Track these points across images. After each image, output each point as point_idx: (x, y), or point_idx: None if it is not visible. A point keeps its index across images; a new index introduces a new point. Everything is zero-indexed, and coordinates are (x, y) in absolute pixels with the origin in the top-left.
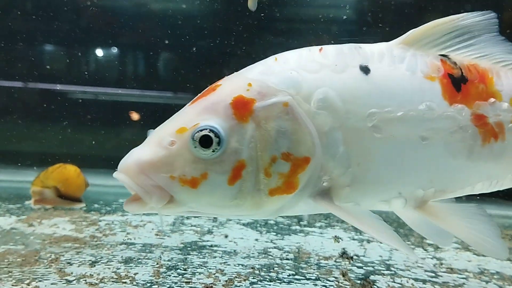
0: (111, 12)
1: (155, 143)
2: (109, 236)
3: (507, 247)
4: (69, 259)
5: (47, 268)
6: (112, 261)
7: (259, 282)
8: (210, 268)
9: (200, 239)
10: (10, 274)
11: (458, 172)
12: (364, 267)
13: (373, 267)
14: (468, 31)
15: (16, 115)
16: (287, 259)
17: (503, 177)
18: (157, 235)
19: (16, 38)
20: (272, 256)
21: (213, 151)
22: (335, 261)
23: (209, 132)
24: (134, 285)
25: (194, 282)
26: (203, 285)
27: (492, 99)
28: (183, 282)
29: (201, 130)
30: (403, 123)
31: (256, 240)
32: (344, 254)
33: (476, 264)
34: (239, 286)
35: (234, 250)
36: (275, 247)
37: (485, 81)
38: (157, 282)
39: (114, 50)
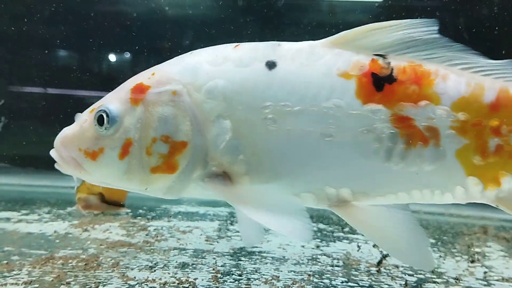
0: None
1: (78, 121)
2: (161, 241)
3: (433, 258)
4: (128, 264)
5: (109, 272)
6: (169, 266)
7: None
8: (264, 274)
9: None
10: (75, 278)
11: (377, 174)
12: (415, 275)
13: (423, 275)
14: (412, 35)
15: (58, 122)
16: (337, 265)
17: (449, 189)
18: (206, 240)
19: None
20: (322, 262)
21: (106, 128)
22: (385, 268)
23: (103, 112)
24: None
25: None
26: None
27: (425, 102)
28: (241, 287)
29: (100, 111)
30: (300, 118)
31: (303, 246)
32: (381, 261)
33: None
34: None
35: (284, 257)
36: (323, 254)
37: (420, 83)
38: (216, 287)
39: (127, 55)
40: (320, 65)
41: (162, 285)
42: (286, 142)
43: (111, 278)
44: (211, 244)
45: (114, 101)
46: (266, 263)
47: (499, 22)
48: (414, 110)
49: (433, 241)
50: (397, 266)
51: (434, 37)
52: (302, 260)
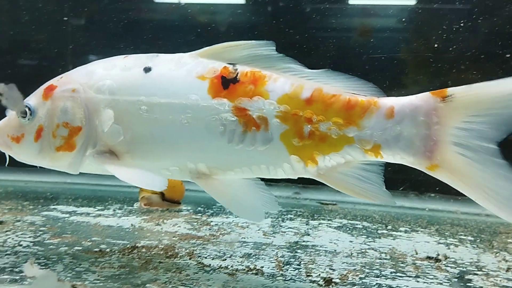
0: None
1: (8, 115)
2: (225, 235)
3: (263, 213)
4: (200, 253)
5: (186, 260)
6: (236, 256)
7: (366, 277)
8: (320, 265)
9: (300, 239)
10: (159, 263)
11: (224, 152)
12: (457, 267)
13: (465, 267)
14: (256, 51)
15: None
16: (385, 259)
17: (279, 165)
18: (264, 235)
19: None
20: (370, 256)
21: (28, 119)
22: (429, 262)
23: (25, 107)
24: (264, 275)
25: (313, 275)
26: (322, 278)
27: (257, 97)
28: (302, 275)
29: (23, 106)
30: (166, 109)
31: (351, 242)
32: (435, 257)
33: None
34: (352, 280)
35: (335, 250)
36: (370, 248)
37: (256, 83)
38: (281, 274)
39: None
40: (183, 70)
41: (234, 271)
42: (155, 127)
43: (189, 265)
44: (268, 238)
45: (32, 97)
46: (320, 256)
47: None
48: (249, 103)
49: (472, 238)
50: (444, 258)
51: (272, 53)
52: (352, 253)
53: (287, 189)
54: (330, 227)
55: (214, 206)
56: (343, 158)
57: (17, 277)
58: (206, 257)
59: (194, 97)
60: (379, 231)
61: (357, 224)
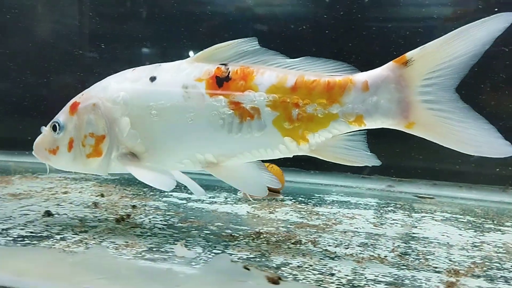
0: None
1: (43, 132)
2: (337, 225)
3: (265, 189)
4: (321, 241)
5: (310, 247)
6: (353, 245)
7: (489, 270)
8: (438, 256)
9: (410, 231)
10: (288, 249)
11: (226, 142)
12: None
13: None
14: (242, 48)
15: None
16: (501, 252)
17: (275, 147)
18: (374, 225)
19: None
20: (485, 249)
21: (57, 133)
22: None
23: (56, 123)
24: (389, 264)
25: (433, 266)
26: (445, 270)
27: (248, 91)
28: (424, 265)
29: (53, 122)
30: (173, 110)
31: (460, 235)
32: None
33: None
34: (477, 273)
35: (448, 243)
36: (482, 242)
37: (246, 79)
38: (403, 263)
39: None
40: (183, 74)
41: (361, 259)
42: (165, 127)
43: (314, 251)
44: (378, 228)
45: (61, 115)
46: (434, 247)
47: None
48: (242, 97)
49: None
50: None
51: (256, 48)
52: (466, 246)
53: (379, 181)
54: (434, 219)
55: (313, 197)
56: (331, 133)
57: (165, 256)
58: (330, 245)
59: (196, 97)
60: (485, 225)
61: (460, 218)
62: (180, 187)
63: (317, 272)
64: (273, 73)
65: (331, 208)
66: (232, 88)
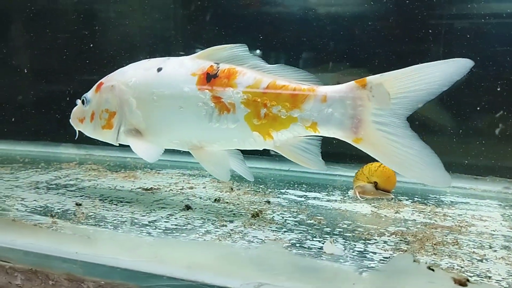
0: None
1: (78, 103)
2: (471, 226)
3: (250, 173)
4: (459, 243)
5: (454, 248)
6: (495, 247)
7: None
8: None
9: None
10: (432, 249)
11: (206, 130)
12: None
13: None
14: (234, 51)
15: None
16: None
17: (246, 139)
18: (510, 228)
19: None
20: None
21: (85, 106)
22: None
23: (84, 97)
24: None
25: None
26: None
27: (228, 88)
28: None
29: (83, 97)
30: (169, 98)
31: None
32: None
33: None
34: None
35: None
36: None
37: (229, 77)
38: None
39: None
40: (183, 69)
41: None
42: (162, 111)
43: (459, 253)
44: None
45: (90, 91)
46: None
47: None
48: (223, 93)
49: None
50: None
51: (245, 53)
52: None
53: (494, 183)
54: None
55: (429, 197)
56: (291, 133)
57: (311, 252)
58: (474, 247)
59: (187, 89)
60: None
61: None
62: (293, 184)
63: (472, 274)
64: (252, 75)
65: (454, 209)
66: (217, 84)
